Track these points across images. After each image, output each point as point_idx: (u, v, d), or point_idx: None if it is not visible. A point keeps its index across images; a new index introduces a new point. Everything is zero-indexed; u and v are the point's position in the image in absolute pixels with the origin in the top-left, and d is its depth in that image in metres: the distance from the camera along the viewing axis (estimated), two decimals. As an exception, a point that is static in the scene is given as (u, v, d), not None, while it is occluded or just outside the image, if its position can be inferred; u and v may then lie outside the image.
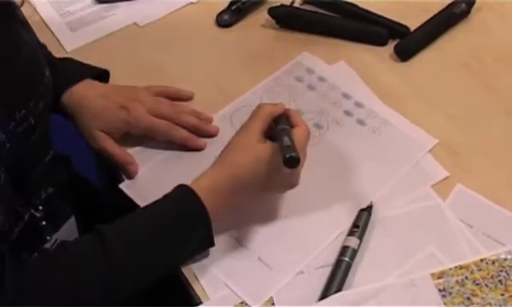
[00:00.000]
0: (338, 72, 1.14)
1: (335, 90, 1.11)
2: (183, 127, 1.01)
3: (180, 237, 0.85)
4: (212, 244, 0.88)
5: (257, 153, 0.86)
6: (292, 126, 0.89)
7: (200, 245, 0.88)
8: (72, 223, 1.00)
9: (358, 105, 1.08)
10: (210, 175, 0.87)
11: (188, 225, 0.85)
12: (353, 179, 0.98)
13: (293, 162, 0.81)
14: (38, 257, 0.85)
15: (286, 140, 0.84)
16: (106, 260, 0.81)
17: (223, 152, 0.89)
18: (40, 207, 0.93)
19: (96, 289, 0.80)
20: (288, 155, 0.81)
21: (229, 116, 1.06)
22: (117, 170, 1.00)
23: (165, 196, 0.86)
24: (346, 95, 1.10)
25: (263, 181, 0.86)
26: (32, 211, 0.92)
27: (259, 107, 0.91)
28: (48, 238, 0.95)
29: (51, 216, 0.95)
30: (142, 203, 0.92)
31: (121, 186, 0.97)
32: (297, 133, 0.88)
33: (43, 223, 0.94)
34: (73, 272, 0.80)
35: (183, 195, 0.85)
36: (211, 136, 1.03)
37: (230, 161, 0.87)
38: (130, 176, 0.98)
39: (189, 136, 1.01)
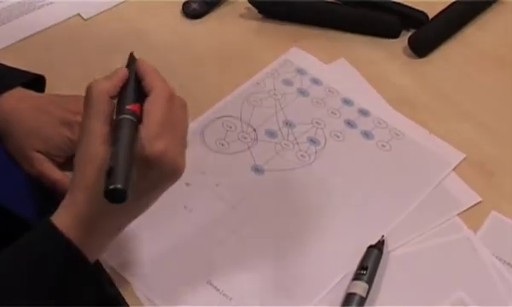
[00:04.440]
0: (337, 73, 1.14)
1: (334, 95, 1.11)
2: None
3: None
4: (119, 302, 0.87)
5: (101, 160, 0.80)
6: (147, 93, 0.83)
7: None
8: None
9: (363, 113, 1.09)
10: (67, 205, 0.83)
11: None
12: (359, 207, 0.98)
13: (118, 196, 0.73)
14: None
15: (111, 155, 0.76)
16: None
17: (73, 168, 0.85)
18: None
19: None
20: (111, 187, 0.73)
21: (201, 130, 1.06)
22: (57, 201, 0.98)
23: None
24: (347, 101, 1.11)
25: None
26: None
27: (88, 90, 0.83)
28: None
29: None
30: None
31: None
32: (150, 109, 0.80)
33: None
34: None
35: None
36: None
37: (81, 180, 0.82)
38: None
39: None
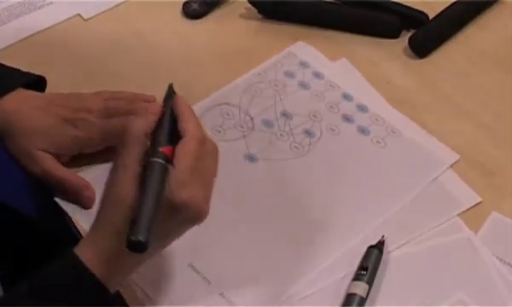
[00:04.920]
0: (339, 70, 1.15)
1: (334, 90, 1.12)
2: None
3: None
4: None
5: (131, 201, 0.81)
6: (180, 135, 0.84)
7: None
8: None
9: (361, 108, 1.09)
10: (92, 239, 0.84)
11: None
12: (348, 200, 0.98)
13: (139, 247, 0.75)
14: None
15: (140, 205, 0.77)
16: None
17: (101, 202, 0.85)
18: None
19: None
20: (132, 238, 0.75)
21: (200, 116, 1.06)
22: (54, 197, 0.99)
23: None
24: (346, 96, 1.11)
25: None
26: None
27: (126, 131, 0.84)
28: None
29: None
30: None
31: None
32: (181, 154, 0.82)
33: None
34: None
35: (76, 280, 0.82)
36: None
37: (107, 217, 0.83)
38: (87, 205, 0.97)
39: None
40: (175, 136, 0.82)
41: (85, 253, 0.81)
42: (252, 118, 1.07)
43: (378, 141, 1.05)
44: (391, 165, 1.02)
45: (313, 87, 1.12)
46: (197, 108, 1.06)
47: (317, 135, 1.05)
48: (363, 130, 1.06)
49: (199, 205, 0.81)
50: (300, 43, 1.18)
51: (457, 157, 1.02)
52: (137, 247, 0.74)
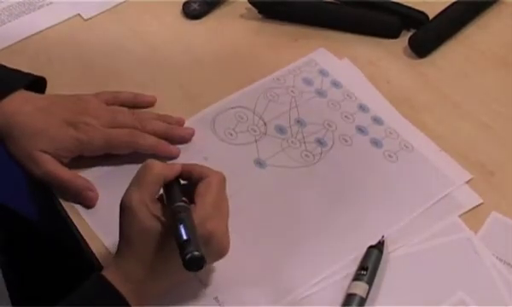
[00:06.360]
0: (357, 80, 1.14)
1: (351, 100, 1.11)
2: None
3: None
4: None
5: (154, 234, 0.85)
6: (200, 178, 0.89)
7: None
8: None
9: (377, 121, 1.08)
10: (117, 263, 0.87)
11: None
12: (356, 212, 0.97)
13: (196, 262, 0.79)
14: None
15: (182, 230, 0.81)
16: None
17: (124, 235, 0.88)
18: None
19: None
20: (188, 255, 0.79)
21: (211, 119, 1.07)
22: (54, 198, 0.99)
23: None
24: (362, 108, 1.10)
25: (174, 263, 0.84)
26: None
27: (146, 167, 0.88)
28: None
29: None
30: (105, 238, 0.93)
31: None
32: (203, 192, 0.87)
33: None
34: None
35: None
36: (184, 141, 1.04)
37: (131, 249, 0.86)
38: (90, 205, 0.98)
39: (158, 142, 1.02)
40: (186, 191, 0.87)
41: (112, 279, 0.84)
42: (265, 123, 1.06)
43: (390, 155, 1.04)
44: (400, 180, 1.01)
45: (330, 96, 1.11)
46: (212, 109, 1.08)
47: (329, 144, 1.05)
48: (376, 143, 1.05)
49: (221, 238, 0.86)
50: (322, 50, 1.17)
51: (469, 176, 1.00)
52: (196, 262, 0.78)
